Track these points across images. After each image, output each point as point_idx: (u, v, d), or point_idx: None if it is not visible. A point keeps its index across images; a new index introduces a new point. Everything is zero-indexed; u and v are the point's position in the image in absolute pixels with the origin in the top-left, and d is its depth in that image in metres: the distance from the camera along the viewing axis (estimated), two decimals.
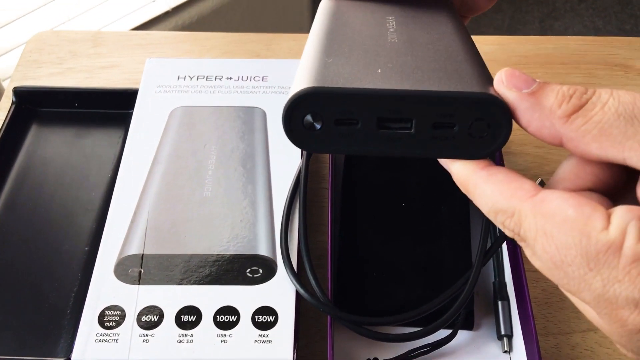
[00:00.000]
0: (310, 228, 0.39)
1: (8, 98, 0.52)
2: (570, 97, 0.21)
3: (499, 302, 0.40)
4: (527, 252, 0.22)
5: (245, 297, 0.35)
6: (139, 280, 0.36)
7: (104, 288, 0.36)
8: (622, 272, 0.19)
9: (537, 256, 0.21)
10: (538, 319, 0.41)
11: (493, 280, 0.41)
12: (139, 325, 0.34)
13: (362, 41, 0.27)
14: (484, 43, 0.60)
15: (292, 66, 0.48)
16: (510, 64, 0.58)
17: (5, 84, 0.92)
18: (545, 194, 0.21)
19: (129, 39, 0.60)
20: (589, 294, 0.20)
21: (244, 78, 0.48)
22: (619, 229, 0.19)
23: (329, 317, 0.36)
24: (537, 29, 1.57)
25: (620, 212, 0.20)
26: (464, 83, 0.23)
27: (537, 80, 0.22)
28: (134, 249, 0.37)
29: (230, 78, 0.48)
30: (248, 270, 0.36)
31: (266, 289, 0.36)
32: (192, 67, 0.48)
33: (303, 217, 0.38)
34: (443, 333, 0.38)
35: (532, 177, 0.49)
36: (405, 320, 0.36)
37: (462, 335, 0.39)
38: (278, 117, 0.45)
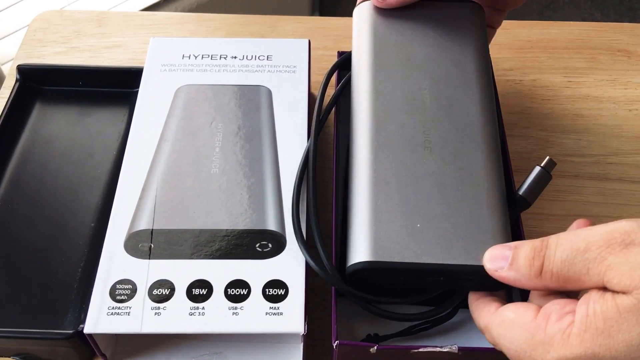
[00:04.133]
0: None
1: (12, 76, 0.51)
2: (533, 258, 0.28)
3: None
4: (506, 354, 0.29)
5: (255, 271, 0.36)
6: (150, 254, 0.36)
7: (115, 262, 0.36)
8: (550, 344, 0.27)
9: (506, 354, 0.29)
10: None
11: None
12: (150, 298, 0.34)
13: (404, 165, 0.36)
14: None
15: (297, 45, 0.48)
16: (514, 48, 0.58)
17: (5, 68, 0.91)
18: (501, 308, 0.30)
19: (133, 19, 0.59)
20: None
21: (249, 57, 0.48)
22: (543, 315, 0.27)
23: (333, 293, 0.36)
24: (536, 20, 1.58)
25: (549, 304, 0.28)
26: (483, 254, 0.32)
27: (510, 249, 0.30)
28: (144, 224, 0.37)
29: (235, 57, 0.48)
30: (257, 245, 0.37)
31: (276, 263, 0.36)
32: (196, 46, 0.48)
33: (313, 192, 0.38)
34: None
35: (536, 159, 0.50)
36: (415, 300, 0.36)
37: (463, 312, 0.40)
38: (283, 95, 0.45)
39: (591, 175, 0.49)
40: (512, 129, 0.52)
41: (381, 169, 0.36)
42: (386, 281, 0.35)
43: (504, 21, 0.60)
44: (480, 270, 0.32)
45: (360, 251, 0.33)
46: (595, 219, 0.46)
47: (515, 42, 0.58)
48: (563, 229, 0.46)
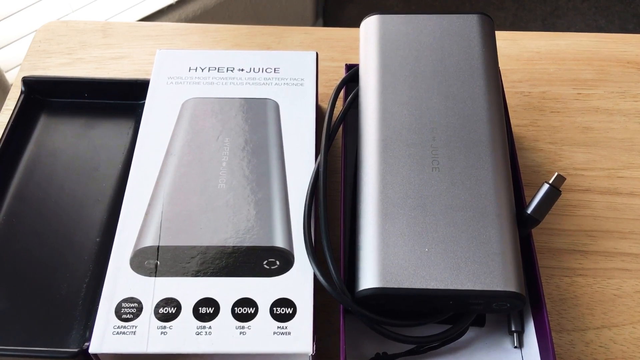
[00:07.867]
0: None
1: (17, 88, 0.51)
2: None
3: None
4: None
5: (262, 289, 0.35)
6: (155, 272, 0.36)
7: (120, 280, 0.35)
8: None
9: None
10: (552, 315, 0.41)
11: None
12: (156, 317, 0.34)
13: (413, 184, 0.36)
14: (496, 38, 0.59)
15: (304, 58, 0.48)
16: (523, 59, 0.57)
17: (9, 75, 0.91)
18: None
19: (139, 30, 0.59)
20: None
21: (256, 70, 0.47)
22: None
23: (341, 311, 0.35)
24: (540, 27, 1.57)
25: None
26: (491, 279, 0.33)
27: None
28: (150, 241, 0.37)
29: (242, 69, 0.47)
30: (265, 262, 0.36)
31: (284, 281, 0.35)
32: (203, 59, 0.48)
33: (324, 209, 0.38)
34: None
35: (546, 173, 0.49)
36: (425, 323, 0.36)
37: (473, 330, 0.39)
38: (291, 108, 0.45)
39: (602, 189, 0.48)
40: (522, 142, 0.51)
41: (389, 191, 0.36)
42: (395, 305, 0.35)
43: (512, 32, 0.60)
44: (489, 294, 0.32)
45: (369, 277, 0.33)
46: (606, 234, 0.46)
47: (523, 54, 0.58)
48: (574, 244, 0.46)
